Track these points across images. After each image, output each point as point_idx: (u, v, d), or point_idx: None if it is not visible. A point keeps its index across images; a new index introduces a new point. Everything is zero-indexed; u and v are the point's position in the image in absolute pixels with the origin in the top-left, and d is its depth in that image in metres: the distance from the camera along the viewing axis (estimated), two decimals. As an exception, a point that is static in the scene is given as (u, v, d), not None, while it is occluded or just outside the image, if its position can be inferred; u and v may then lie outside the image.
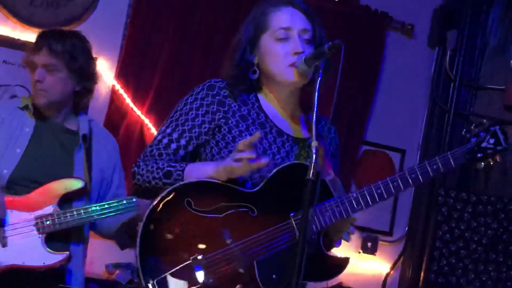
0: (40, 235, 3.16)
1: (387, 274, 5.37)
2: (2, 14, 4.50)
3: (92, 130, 3.43)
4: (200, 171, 2.42)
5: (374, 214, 5.14)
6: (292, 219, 2.38)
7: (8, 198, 3.18)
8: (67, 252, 3.19)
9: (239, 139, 2.45)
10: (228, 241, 2.33)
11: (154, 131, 4.68)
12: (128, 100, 4.69)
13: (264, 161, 2.30)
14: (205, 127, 2.51)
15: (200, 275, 2.29)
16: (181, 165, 2.46)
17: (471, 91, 5.49)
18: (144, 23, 4.73)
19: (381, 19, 5.30)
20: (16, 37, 4.46)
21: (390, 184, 2.48)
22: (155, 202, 2.33)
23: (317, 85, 2.32)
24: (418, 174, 2.51)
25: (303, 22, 2.54)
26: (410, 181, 2.51)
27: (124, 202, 3.26)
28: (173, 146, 2.52)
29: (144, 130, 4.70)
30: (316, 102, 2.31)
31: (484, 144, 2.55)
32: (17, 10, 4.48)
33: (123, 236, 3.42)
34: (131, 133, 4.69)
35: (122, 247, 3.49)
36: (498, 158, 2.56)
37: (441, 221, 5.23)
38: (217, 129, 2.51)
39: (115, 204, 3.26)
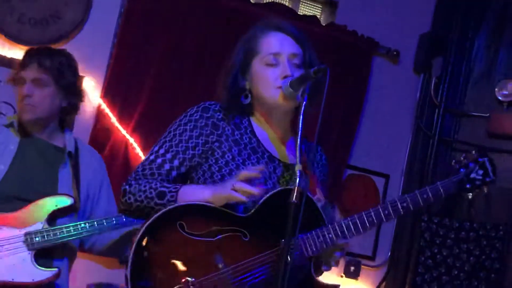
0: (30, 252, 3.18)
1: (369, 299, 5.37)
2: (-11, 31, 4.50)
3: (78, 147, 3.44)
4: (195, 194, 2.42)
5: (357, 239, 5.07)
6: (283, 245, 2.37)
7: None
8: (57, 269, 3.21)
9: (232, 163, 2.47)
10: (220, 265, 2.34)
11: (139, 150, 4.67)
12: (113, 119, 4.67)
13: (257, 192, 2.33)
14: (198, 150, 2.52)
15: None
16: (175, 186, 2.45)
17: (455, 117, 5.52)
18: (131, 42, 4.73)
19: (367, 45, 5.33)
20: (3, 54, 4.45)
21: (381, 212, 2.51)
22: (147, 224, 2.32)
23: (302, 108, 2.34)
24: (409, 203, 2.54)
25: (292, 47, 2.57)
26: (401, 210, 2.54)
27: (113, 219, 3.29)
28: (166, 166, 2.52)
29: (129, 150, 4.69)
30: (300, 126, 2.33)
31: (472, 175, 2.62)
32: (4, 27, 4.47)
33: (121, 251, 3.46)
34: (116, 152, 4.68)
35: (122, 261, 3.52)
36: (485, 189, 2.64)
37: (423, 246, 5.24)
38: (210, 152, 2.52)
39: (104, 222, 3.29)
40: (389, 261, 5.45)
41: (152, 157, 2.55)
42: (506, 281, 5.06)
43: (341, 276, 5.21)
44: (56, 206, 3.26)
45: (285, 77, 2.50)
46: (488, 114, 5.33)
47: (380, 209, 2.51)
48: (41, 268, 3.18)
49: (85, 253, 3.65)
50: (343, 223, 2.46)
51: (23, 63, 3.39)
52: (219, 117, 2.54)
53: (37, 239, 3.19)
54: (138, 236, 2.31)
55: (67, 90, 3.40)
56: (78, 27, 4.62)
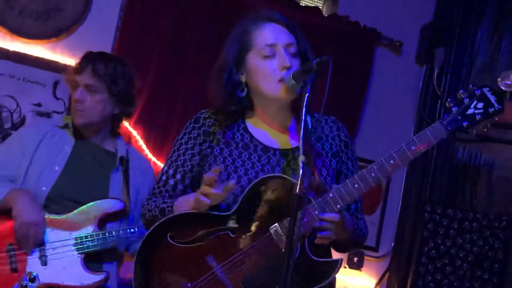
0: (79, 255, 3.22)
1: (373, 290, 5.37)
2: (-10, 24, 4.50)
3: (129, 152, 3.51)
4: (184, 204, 2.51)
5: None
6: (271, 231, 2.40)
7: (49, 217, 3.23)
8: (106, 273, 3.26)
9: (221, 165, 2.50)
10: (213, 265, 2.40)
11: (142, 143, 4.67)
12: (116, 112, 4.68)
13: (231, 183, 2.37)
14: (195, 159, 2.60)
15: None
16: (172, 200, 2.56)
17: (458, 108, 5.50)
18: (133, 36, 4.73)
19: (370, 35, 5.32)
20: (5, 47, 4.45)
21: (368, 175, 2.38)
22: (141, 244, 2.47)
23: (305, 100, 2.33)
24: (396, 158, 2.39)
25: (287, 36, 2.55)
26: (388, 168, 2.38)
27: None
28: (171, 182, 2.63)
29: (132, 142, 4.69)
30: (304, 117, 2.32)
31: (470, 111, 2.37)
32: (6, 20, 4.47)
33: None
34: (118, 145, 4.68)
35: None
36: (492, 121, 2.36)
37: (427, 237, 5.23)
38: (205, 159, 2.58)
39: None
40: (392, 252, 5.45)
41: (159, 176, 2.68)
42: (509, 271, 5.06)
43: (345, 267, 5.22)
44: (106, 210, 3.30)
45: (284, 67, 2.49)
46: (490, 105, 5.31)
47: (366, 173, 2.37)
48: (90, 272, 3.22)
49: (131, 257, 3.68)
50: (328, 197, 2.36)
51: (79, 67, 3.42)
52: (210, 123, 2.61)
53: (87, 242, 3.23)
54: (136, 256, 2.46)
55: (119, 98, 3.42)
56: (80, 20, 4.62)
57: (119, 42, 4.71)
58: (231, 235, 2.42)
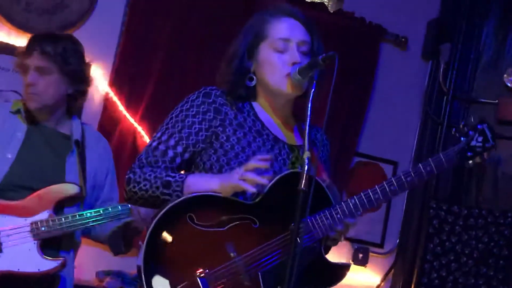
0: (35, 241, 3.14)
1: (378, 286, 5.37)
2: (-4, 20, 4.51)
3: (84, 134, 3.40)
4: (201, 184, 2.40)
5: (365, 226, 5.15)
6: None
7: (2, 203, 3.16)
8: (62, 258, 3.17)
9: (237, 146, 2.45)
10: (232, 254, 2.33)
11: (147, 138, 4.67)
12: (121, 108, 4.68)
13: (265, 182, 2.33)
14: (202, 135, 2.50)
15: None
16: (181, 175, 2.44)
17: (464, 104, 5.50)
18: (139, 31, 4.74)
19: (375, 31, 5.32)
20: (11, 42, 4.46)
21: (387, 188, 2.50)
22: (157, 219, 2.31)
23: (311, 95, 2.34)
24: (413, 176, 2.53)
25: (302, 33, 2.55)
26: (406, 185, 2.52)
27: (119, 208, 3.24)
28: (170, 153, 2.49)
29: (137, 138, 4.70)
30: (309, 113, 2.32)
31: (473, 143, 2.62)
32: (12, 16, 4.47)
33: (117, 242, 3.40)
34: (124, 141, 4.69)
35: (116, 253, 3.46)
36: (486, 156, 2.64)
37: (432, 234, 5.23)
38: (214, 136, 2.49)
39: (109, 210, 3.24)
40: (397, 249, 5.45)
41: (154, 144, 2.52)
42: (514, 268, 5.07)
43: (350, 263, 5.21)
44: (61, 195, 3.21)
45: (294, 63, 2.48)
46: (496, 101, 5.31)
47: (386, 185, 2.50)
48: (47, 258, 3.14)
49: (92, 240, 3.62)
50: (350, 202, 2.46)
51: (27, 50, 3.30)
52: (221, 102, 2.52)
53: (42, 228, 3.14)
54: (149, 230, 2.30)
55: (72, 77, 3.30)
56: (85, 15, 4.62)
57: (125, 38, 4.71)
58: (253, 225, 2.37)
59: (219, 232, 2.34)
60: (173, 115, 2.55)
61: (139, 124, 4.70)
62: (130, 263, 4.72)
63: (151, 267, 2.29)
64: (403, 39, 5.41)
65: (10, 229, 3.14)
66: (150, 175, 2.46)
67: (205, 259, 2.31)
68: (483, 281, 5.09)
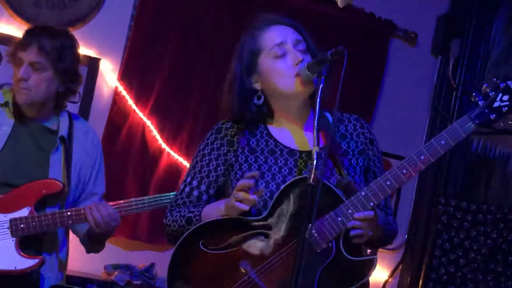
0: (13, 238, 3.08)
1: (386, 282, 5.36)
2: (7, 14, 4.51)
3: (72, 130, 3.33)
4: (213, 211, 2.50)
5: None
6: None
7: None
8: (40, 257, 3.11)
9: (247, 172, 2.47)
10: (245, 270, 2.38)
11: (155, 133, 4.69)
12: (130, 102, 4.69)
13: (261, 188, 2.38)
14: (220, 169, 2.59)
15: None
16: (198, 209, 2.55)
17: (473, 100, 5.48)
18: (148, 25, 4.74)
19: (385, 27, 5.31)
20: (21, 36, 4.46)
21: (399, 172, 2.33)
22: (173, 253, 2.43)
23: (319, 91, 2.33)
24: (427, 154, 2.33)
25: (294, 34, 2.55)
26: (421, 164, 2.33)
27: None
28: (195, 193, 2.61)
29: (146, 132, 4.71)
30: (318, 109, 2.32)
31: (496, 104, 2.36)
32: (22, 10, 4.49)
33: (85, 242, 3.36)
34: (133, 135, 4.70)
35: (87, 251, 3.44)
36: None
37: (440, 229, 5.23)
38: (230, 168, 2.57)
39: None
40: (405, 244, 5.44)
41: (181, 187, 2.65)
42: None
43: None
44: (43, 191, 3.14)
45: (299, 62, 2.48)
46: (506, 97, 5.29)
47: (397, 170, 2.33)
48: (24, 255, 3.07)
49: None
50: (360, 195, 2.34)
51: (23, 43, 3.23)
52: (232, 133, 2.58)
53: (22, 225, 3.07)
54: (169, 264, 2.43)
55: (65, 75, 3.24)
56: (95, 10, 4.63)
57: (134, 32, 4.72)
58: (264, 238, 2.40)
59: (233, 252, 2.41)
60: (196, 159, 2.65)
61: (148, 119, 4.71)
62: (138, 257, 4.76)
63: None
64: (412, 35, 5.39)
65: None
66: (176, 215, 2.59)
67: (223, 281, 2.39)
68: (492, 277, 5.09)
